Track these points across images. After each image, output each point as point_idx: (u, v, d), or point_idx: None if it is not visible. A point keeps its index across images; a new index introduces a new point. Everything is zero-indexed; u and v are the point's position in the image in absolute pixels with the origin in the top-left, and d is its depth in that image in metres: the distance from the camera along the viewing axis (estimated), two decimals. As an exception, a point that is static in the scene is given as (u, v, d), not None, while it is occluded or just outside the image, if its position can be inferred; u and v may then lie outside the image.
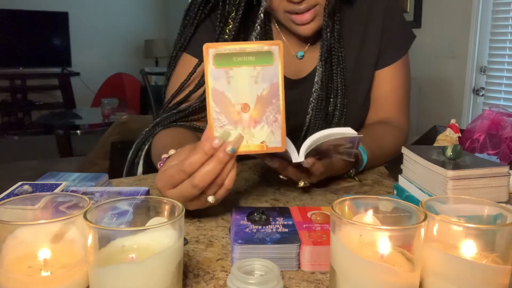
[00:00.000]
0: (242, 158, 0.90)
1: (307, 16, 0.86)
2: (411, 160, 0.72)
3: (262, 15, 0.84)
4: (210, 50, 0.57)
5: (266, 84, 0.59)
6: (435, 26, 3.28)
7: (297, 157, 0.67)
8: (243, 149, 0.60)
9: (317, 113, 0.93)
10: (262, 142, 0.60)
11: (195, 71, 0.93)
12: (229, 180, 0.60)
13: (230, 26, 0.88)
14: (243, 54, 0.57)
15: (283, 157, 0.68)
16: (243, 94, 0.58)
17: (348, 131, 0.71)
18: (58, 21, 5.42)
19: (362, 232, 0.43)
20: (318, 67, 0.92)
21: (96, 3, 5.74)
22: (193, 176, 0.58)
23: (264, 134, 0.60)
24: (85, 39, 5.63)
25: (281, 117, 0.60)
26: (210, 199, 0.62)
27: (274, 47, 0.58)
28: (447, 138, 0.88)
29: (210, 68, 0.57)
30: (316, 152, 0.70)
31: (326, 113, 0.96)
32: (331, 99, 0.96)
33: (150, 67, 5.53)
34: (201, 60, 0.95)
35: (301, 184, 0.74)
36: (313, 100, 0.90)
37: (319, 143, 0.68)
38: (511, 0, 2.89)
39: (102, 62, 5.78)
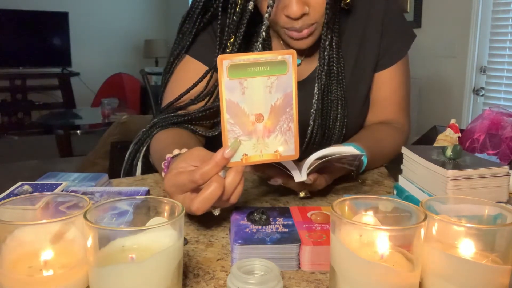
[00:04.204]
0: None
1: (304, 32, 0.85)
2: (411, 160, 0.72)
3: (264, 33, 0.83)
4: (225, 61, 0.56)
5: (280, 93, 0.59)
6: (435, 26, 3.28)
7: (300, 176, 0.67)
8: (257, 159, 0.60)
9: (318, 126, 0.93)
10: (276, 151, 0.60)
11: (195, 85, 0.91)
12: (234, 196, 0.59)
13: (232, 39, 0.86)
14: (257, 64, 0.57)
15: (283, 167, 0.68)
16: (258, 104, 0.58)
17: (351, 151, 0.71)
18: (58, 21, 5.42)
19: (362, 232, 0.43)
20: (317, 79, 0.92)
21: (96, 3, 5.74)
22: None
23: (278, 143, 0.60)
24: (85, 39, 5.63)
25: (294, 126, 0.60)
26: (215, 211, 0.63)
27: (288, 56, 0.58)
28: (447, 138, 0.88)
29: (225, 80, 0.57)
30: (318, 167, 0.70)
31: (327, 124, 0.96)
32: (331, 111, 0.95)
33: (150, 67, 5.53)
34: (202, 62, 0.94)
35: (302, 194, 0.75)
36: (313, 112, 0.90)
37: (321, 161, 0.68)
38: (511, 0, 2.89)
39: (102, 62, 5.78)
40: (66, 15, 5.42)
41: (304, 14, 0.82)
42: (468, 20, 3.05)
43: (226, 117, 0.58)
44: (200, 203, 0.56)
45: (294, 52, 0.59)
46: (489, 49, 3.06)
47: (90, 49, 5.74)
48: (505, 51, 2.97)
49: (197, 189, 0.58)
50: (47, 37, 5.40)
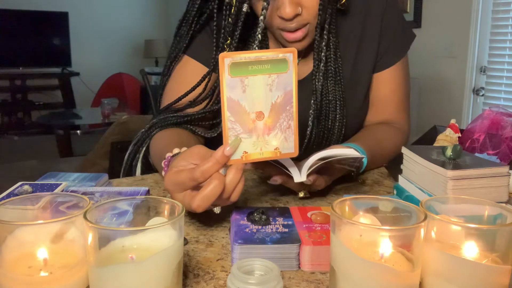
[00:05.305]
0: None
1: (298, 34, 0.85)
2: (411, 160, 0.72)
3: (259, 36, 0.83)
4: (226, 59, 0.56)
5: (280, 91, 0.59)
6: (435, 26, 3.28)
7: (299, 177, 0.68)
8: (257, 156, 0.60)
9: (318, 127, 0.93)
10: (275, 149, 0.60)
11: (193, 89, 0.92)
12: (235, 194, 0.59)
13: (228, 41, 0.87)
14: (259, 62, 0.57)
15: (283, 167, 0.68)
16: (258, 102, 0.58)
17: (351, 153, 0.71)
18: (58, 21, 5.42)
19: (362, 232, 0.43)
20: (313, 79, 0.92)
21: (96, 3, 5.74)
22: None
23: (278, 141, 0.60)
24: (85, 39, 5.63)
25: (294, 123, 0.60)
26: (216, 209, 0.63)
27: (289, 54, 0.58)
28: (447, 138, 0.88)
29: (226, 78, 0.57)
30: (318, 168, 0.70)
31: (326, 125, 0.96)
32: (330, 112, 0.96)
33: (150, 67, 5.53)
34: (201, 62, 0.94)
35: (301, 194, 0.75)
36: (312, 112, 0.90)
37: (321, 163, 0.68)
38: (511, 0, 2.89)
39: (102, 62, 5.78)
40: (66, 15, 5.42)
41: (297, 15, 0.82)
42: (468, 20, 3.05)
43: (227, 114, 0.58)
44: (200, 200, 0.56)
45: (295, 50, 0.59)
46: (489, 49, 3.06)
47: (90, 49, 5.74)
48: (505, 51, 2.97)
49: (197, 187, 0.59)
50: (47, 37, 5.40)
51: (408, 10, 3.42)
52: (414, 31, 1.06)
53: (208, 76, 0.91)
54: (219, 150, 0.57)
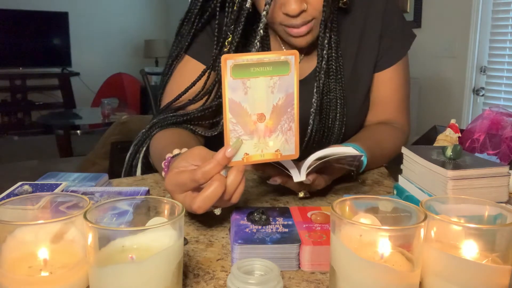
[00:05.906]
0: None
1: (303, 29, 0.85)
2: (411, 160, 0.72)
3: (261, 31, 0.83)
4: (228, 61, 0.56)
5: (282, 94, 0.59)
6: (435, 26, 3.28)
7: (298, 176, 0.68)
8: (258, 158, 0.60)
9: (318, 125, 0.93)
10: (276, 151, 0.61)
11: (194, 84, 0.92)
12: (236, 195, 0.59)
13: (230, 38, 0.87)
14: (261, 64, 0.57)
15: (283, 167, 0.68)
16: (260, 104, 0.59)
17: (350, 151, 0.72)
18: (58, 21, 5.42)
19: (362, 232, 0.43)
20: (316, 77, 0.92)
21: (96, 3, 5.74)
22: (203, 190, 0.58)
23: (279, 143, 0.61)
24: (85, 39, 5.63)
25: (295, 125, 0.61)
26: (216, 211, 0.63)
27: (291, 56, 0.59)
28: (447, 138, 0.88)
29: (228, 79, 0.57)
30: (317, 167, 0.70)
31: (327, 124, 0.96)
32: (331, 110, 0.96)
33: (150, 67, 5.53)
34: (201, 62, 0.94)
35: (301, 194, 0.75)
36: (313, 111, 0.90)
37: (320, 162, 0.69)
38: (511, 0, 2.89)
39: (102, 62, 5.78)
40: (66, 15, 5.42)
41: (302, 11, 0.82)
42: (468, 20, 3.05)
43: (228, 116, 0.58)
44: (201, 202, 0.56)
45: (297, 52, 0.59)
46: (489, 49, 3.06)
47: (90, 49, 5.74)
48: (505, 51, 2.97)
49: (198, 188, 0.59)
50: (47, 37, 5.40)
51: (408, 10, 3.42)
52: (414, 31, 1.06)
53: (207, 71, 0.91)
54: (220, 152, 0.57)
